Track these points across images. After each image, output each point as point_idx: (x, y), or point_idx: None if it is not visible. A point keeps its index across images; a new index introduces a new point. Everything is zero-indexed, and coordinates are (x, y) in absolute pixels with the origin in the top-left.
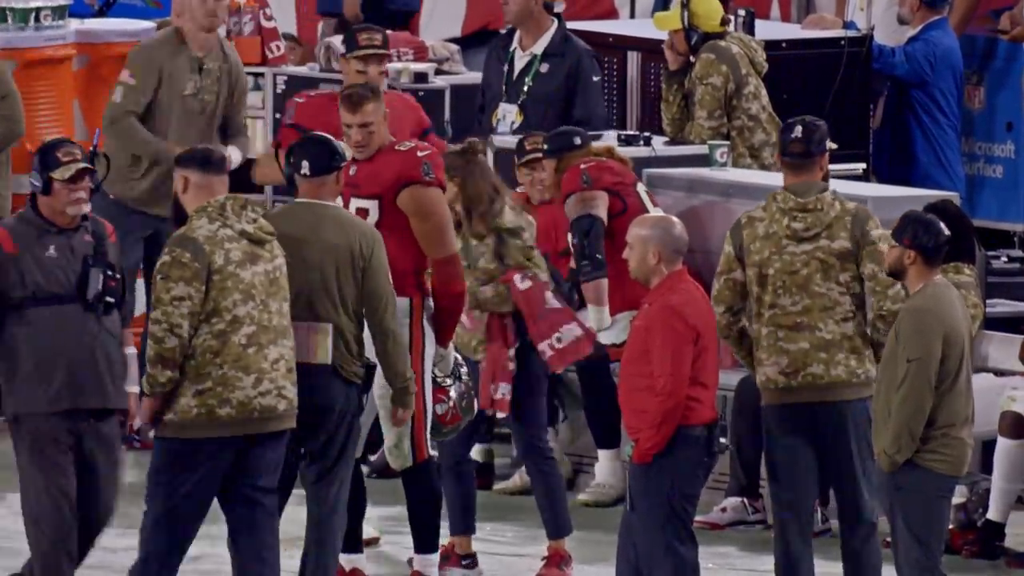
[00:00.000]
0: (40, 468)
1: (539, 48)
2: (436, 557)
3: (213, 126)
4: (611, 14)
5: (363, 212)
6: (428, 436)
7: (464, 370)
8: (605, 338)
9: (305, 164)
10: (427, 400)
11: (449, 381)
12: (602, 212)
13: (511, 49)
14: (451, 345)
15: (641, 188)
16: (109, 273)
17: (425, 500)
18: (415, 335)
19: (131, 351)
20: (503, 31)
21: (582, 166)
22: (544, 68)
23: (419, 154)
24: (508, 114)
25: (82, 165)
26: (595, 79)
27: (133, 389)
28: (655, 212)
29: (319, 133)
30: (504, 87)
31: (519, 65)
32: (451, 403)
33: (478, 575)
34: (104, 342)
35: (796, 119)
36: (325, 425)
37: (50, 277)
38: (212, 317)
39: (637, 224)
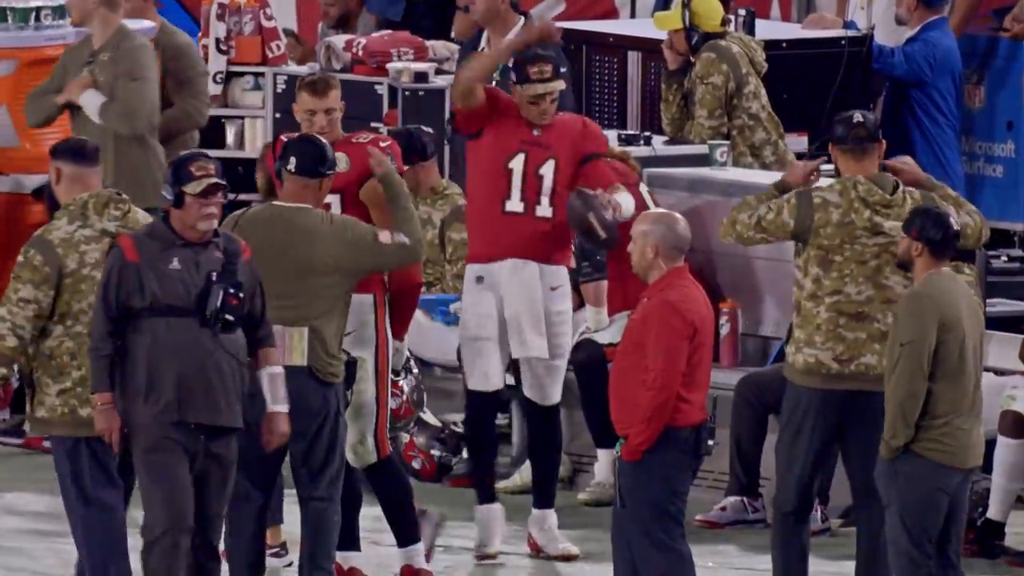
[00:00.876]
0: (153, 479)
1: None
2: (421, 546)
3: None
4: (611, 14)
5: (325, 207)
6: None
7: (413, 363)
8: (602, 338)
9: (292, 160)
10: (389, 397)
11: (401, 375)
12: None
13: (480, 49)
14: (405, 339)
15: (643, 188)
16: (231, 291)
17: (396, 494)
18: (379, 332)
19: (275, 370)
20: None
21: None
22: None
23: (382, 145)
24: None
25: (213, 180)
26: (562, 70)
27: (276, 408)
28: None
29: (315, 135)
30: None
31: None
32: (404, 397)
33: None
34: (218, 359)
35: (847, 112)
36: (305, 426)
37: (168, 289)
38: (67, 319)
39: (640, 219)
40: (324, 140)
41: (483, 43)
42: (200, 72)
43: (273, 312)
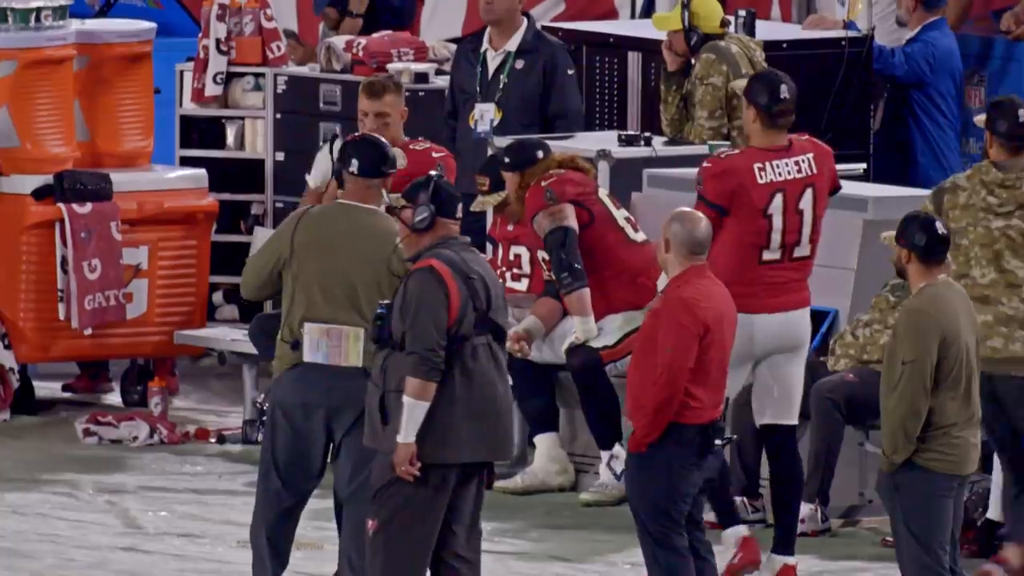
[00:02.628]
0: None
1: (512, 46)
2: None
3: None
4: (611, 14)
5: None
6: None
7: None
8: (596, 342)
9: (355, 163)
10: None
11: None
12: (572, 222)
13: (482, 50)
14: None
15: (603, 193)
16: (376, 312)
17: None
18: None
19: (404, 399)
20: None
21: (543, 183)
22: (519, 64)
23: (434, 155)
24: (486, 113)
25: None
26: (570, 72)
27: (396, 438)
28: (620, 214)
29: (374, 135)
30: (478, 88)
31: (493, 64)
32: None
33: None
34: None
35: (1005, 101)
36: (354, 423)
37: None
38: None
39: (671, 214)
40: (383, 139)
41: (485, 43)
42: None
43: (329, 312)
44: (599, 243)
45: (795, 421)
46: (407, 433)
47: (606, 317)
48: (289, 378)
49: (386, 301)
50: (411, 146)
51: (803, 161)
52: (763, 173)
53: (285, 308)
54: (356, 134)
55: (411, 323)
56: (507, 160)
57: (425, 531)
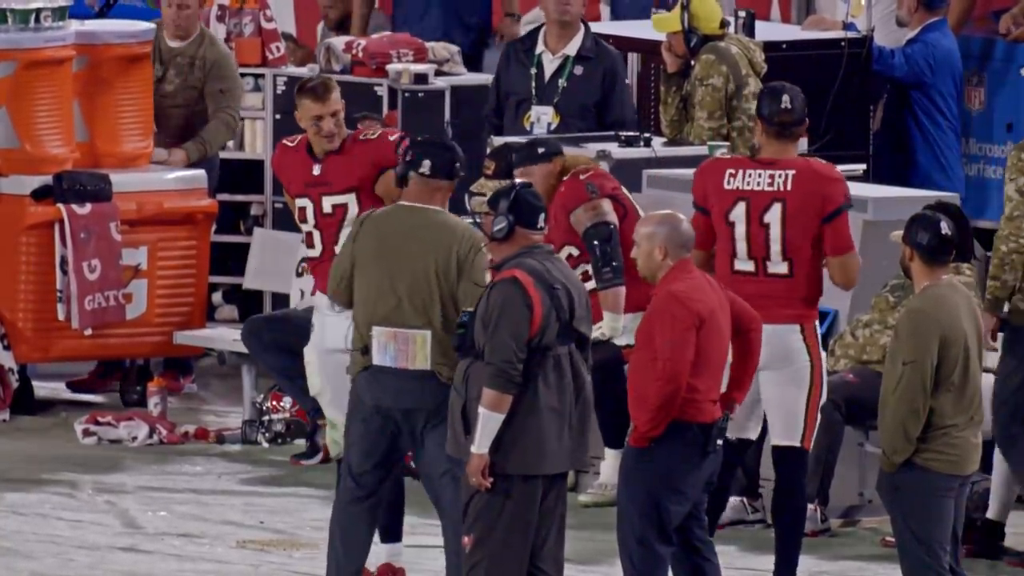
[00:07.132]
0: None
1: (571, 50)
2: (401, 547)
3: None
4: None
5: (341, 208)
6: None
7: None
8: (619, 340)
9: (427, 163)
10: None
11: None
12: (614, 218)
13: (536, 52)
14: None
15: (624, 191)
16: (460, 319)
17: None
18: None
19: (479, 409)
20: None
21: (582, 176)
22: (578, 70)
23: (391, 138)
24: (543, 116)
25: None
26: (628, 82)
27: (471, 448)
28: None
29: (444, 139)
30: (534, 90)
31: (550, 67)
32: None
33: None
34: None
35: None
36: (426, 424)
37: None
38: None
39: (643, 222)
40: (454, 144)
41: (540, 46)
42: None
43: (398, 314)
44: (630, 239)
45: (794, 442)
46: (480, 444)
47: (626, 315)
48: (361, 381)
49: (469, 309)
50: (361, 136)
51: (779, 176)
52: (732, 179)
53: (354, 313)
54: (427, 136)
55: (491, 334)
56: (514, 156)
57: (521, 543)
